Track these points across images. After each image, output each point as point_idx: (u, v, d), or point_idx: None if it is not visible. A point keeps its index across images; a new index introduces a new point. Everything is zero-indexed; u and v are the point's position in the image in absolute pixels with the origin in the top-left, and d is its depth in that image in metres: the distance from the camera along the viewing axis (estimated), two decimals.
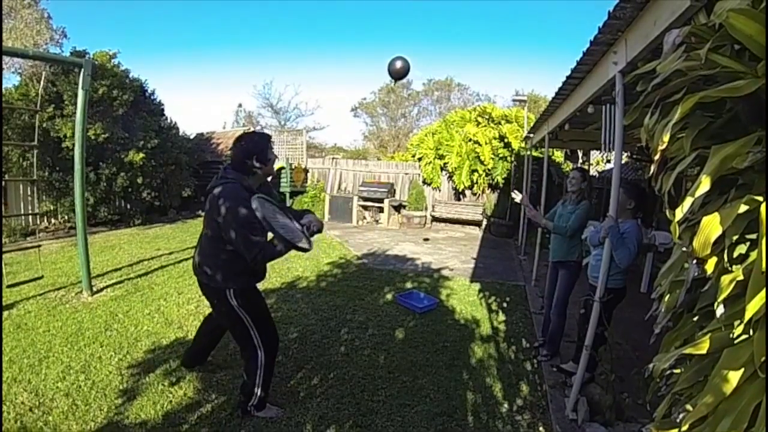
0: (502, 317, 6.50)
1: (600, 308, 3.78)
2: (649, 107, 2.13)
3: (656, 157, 1.98)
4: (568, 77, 4.86)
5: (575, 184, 5.18)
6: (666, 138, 1.85)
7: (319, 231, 3.81)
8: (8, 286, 6.35)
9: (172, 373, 4.36)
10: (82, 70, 6.54)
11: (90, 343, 5.07)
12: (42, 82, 8.87)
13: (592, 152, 12.51)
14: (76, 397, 3.95)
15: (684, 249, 1.89)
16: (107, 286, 7.19)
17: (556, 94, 5.79)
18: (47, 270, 7.68)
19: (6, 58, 10.51)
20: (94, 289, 6.93)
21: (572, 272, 5.10)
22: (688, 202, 1.71)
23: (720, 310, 1.57)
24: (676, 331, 1.99)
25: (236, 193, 3.33)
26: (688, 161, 1.80)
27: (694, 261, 1.74)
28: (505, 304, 7.05)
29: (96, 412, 3.73)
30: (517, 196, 5.84)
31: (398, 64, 4.37)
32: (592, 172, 14.87)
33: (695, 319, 1.89)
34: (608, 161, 15.93)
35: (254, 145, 3.53)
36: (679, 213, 1.78)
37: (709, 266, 1.64)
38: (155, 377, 4.28)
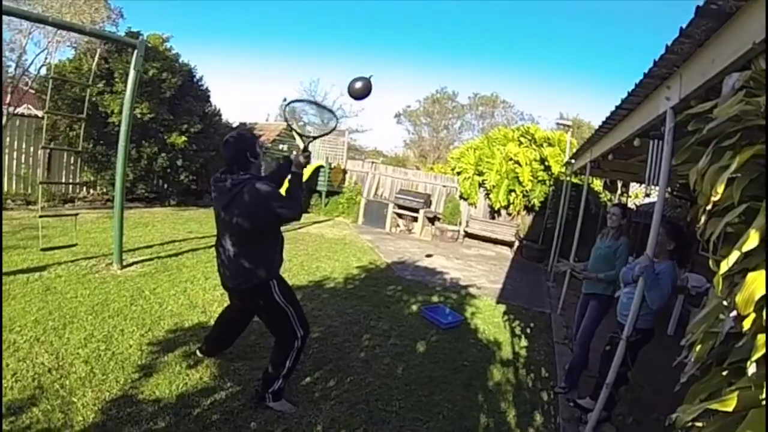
0: (524, 343, 6.41)
1: (625, 347, 3.70)
2: (701, 146, 2.08)
3: (707, 207, 1.92)
4: (617, 107, 4.77)
5: (615, 221, 5.13)
6: (720, 189, 1.80)
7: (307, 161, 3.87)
8: (42, 249, 6.55)
9: (190, 356, 4.40)
10: (136, 51, 6.72)
11: (114, 315, 5.18)
12: (96, 59, 9.08)
13: (631, 184, 12.29)
14: (95, 365, 4.04)
15: (725, 303, 1.84)
16: (137, 262, 7.33)
17: (603, 123, 5.69)
18: (81, 238, 7.85)
19: (62, 32, 10.82)
20: (124, 263, 7.08)
21: (602, 305, 5.02)
22: (734, 256, 1.66)
23: (752, 369, 1.52)
24: (704, 383, 1.93)
25: (263, 183, 3.53)
26: (737, 212, 1.75)
27: (731, 314, 1.69)
28: (528, 330, 6.96)
29: (112, 382, 3.80)
30: (561, 266, 5.88)
31: (358, 85, 4.33)
32: (630, 204, 14.61)
33: (725, 373, 1.83)
34: (647, 195, 15.65)
35: (245, 143, 3.71)
36: (725, 266, 1.73)
37: (747, 323, 1.59)
38: (174, 358, 4.34)
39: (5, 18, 10.37)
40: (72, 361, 4.06)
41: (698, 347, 1.99)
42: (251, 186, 3.46)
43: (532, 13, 53.44)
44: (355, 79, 4.25)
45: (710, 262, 1.91)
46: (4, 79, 11.77)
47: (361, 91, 4.29)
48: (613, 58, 54.16)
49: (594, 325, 5.03)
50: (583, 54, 54.97)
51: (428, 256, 11.78)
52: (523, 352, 6.04)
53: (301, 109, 4.27)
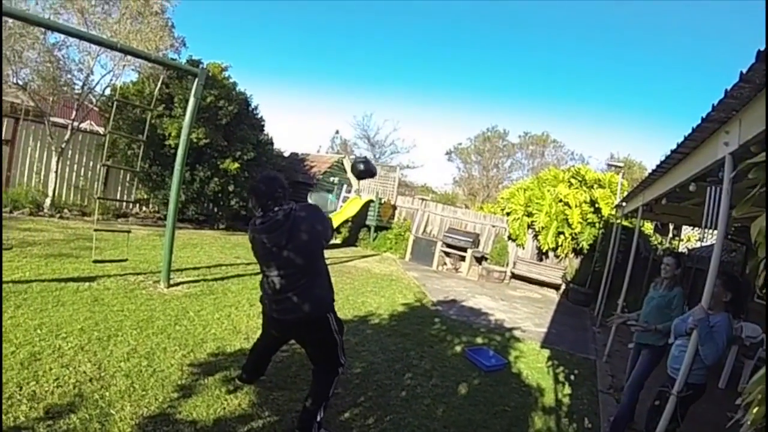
0: (567, 390, 6.15)
1: (676, 403, 3.50)
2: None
3: None
4: (672, 151, 4.61)
5: (669, 271, 4.96)
6: None
7: None
8: (94, 261, 6.80)
9: (230, 381, 4.37)
10: (197, 79, 6.92)
11: (158, 332, 5.23)
12: (159, 84, 9.42)
13: (683, 227, 11.93)
14: (136, 380, 4.07)
15: None
16: (183, 282, 7.43)
17: (657, 166, 5.53)
18: (131, 254, 8.06)
19: (128, 57, 11.38)
20: (171, 282, 7.18)
21: (655, 355, 4.80)
22: None
23: None
24: None
25: (312, 213, 3.72)
26: None
27: None
28: (572, 377, 6.69)
29: (151, 399, 3.81)
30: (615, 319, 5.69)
31: (361, 167, 4.39)
32: (682, 247, 14.15)
33: None
34: (701, 240, 15.16)
35: (283, 179, 3.81)
36: None
37: None
38: (214, 381, 4.30)
39: (74, 40, 10.98)
40: (113, 374, 4.11)
41: (755, 409, 1.86)
42: (308, 223, 3.55)
43: (582, 53, 53.47)
44: (357, 162, 4.32)
45: None
46: (72, 95, 12.35)
47: (363, 173, 4.35)
48: (665, 98, 53.30)
49: (645, 376, 4.81)
50: (635, 93, 54.27)
51: (453, 301, 11.35)
52: (566, 400, 5.78)
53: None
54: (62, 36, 11.23)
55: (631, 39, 51.46)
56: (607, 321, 5.79)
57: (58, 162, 12.23)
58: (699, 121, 3.54)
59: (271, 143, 16.04)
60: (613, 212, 12.95)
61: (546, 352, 7.63)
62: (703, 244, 14.21)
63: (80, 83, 12.40)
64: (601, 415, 5.40)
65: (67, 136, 12.26)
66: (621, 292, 7.75)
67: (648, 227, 14.03)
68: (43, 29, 10.45)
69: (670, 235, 12.33)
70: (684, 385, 3.51)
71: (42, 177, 12.63)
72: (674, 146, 4.47)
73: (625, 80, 53.59)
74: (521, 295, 13.42)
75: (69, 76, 12.20)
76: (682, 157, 4.73)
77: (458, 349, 6.89)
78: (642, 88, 53.28)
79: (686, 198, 6.28)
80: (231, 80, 14.05)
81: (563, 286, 14.49)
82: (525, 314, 10.65)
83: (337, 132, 41.08)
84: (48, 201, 11.96)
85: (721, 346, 3.62)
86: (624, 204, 10.13)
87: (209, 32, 51.14)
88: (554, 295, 14.46)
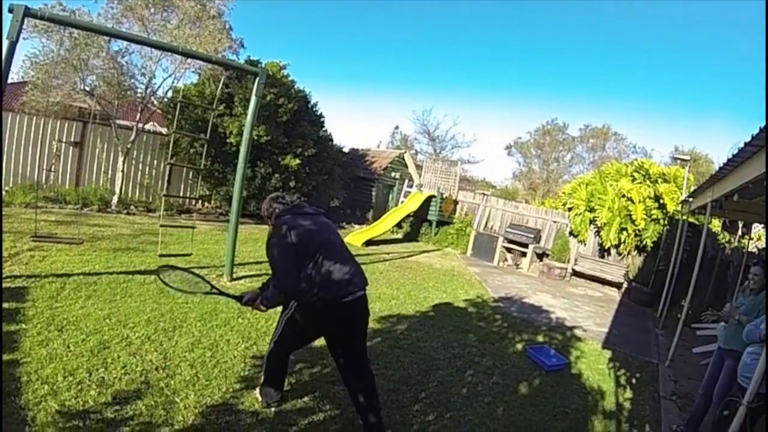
0: (628, 394, 5.92)
1: (745, 414, 3.32)
2: None
3: None
4: (746, 144, 4.32)
5: (757, 282, 4.59)
6: None
7: None
8: (160, 255, 6.97)
9: (292, 374, 4.40)
10: (257, 78, 7.02)
11: (222, 324, 5.37)
12: (220, 85, 9.67)
13: (753, 225, 11.33)
14: (200, 370, 4.20)
15: None
16: (246, 276, 7.61)
17: (729, 160, 5.16)
18: (194, 248, 8.30)
19: (188, 59, 11.79)
20: (234, 275, 7.36)
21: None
22: None
23: None
24: None
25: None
26: None
27: None
28: (634, 381, 6.45)
29: (214, 389, 3.91)
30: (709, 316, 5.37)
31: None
32: (752, 247, 13.45)
33: None
34: None
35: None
36: None
37: None
38: None
39: (136, 47, 11.50)
40: (178, 363, 4.25)
41: None
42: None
43: (641, 42, 51.90)
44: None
45: None
46: (135, 98, 12.83)
47: None
48: (733, 87, 50.75)
49: (729, 388, 4.36)
50: (699, 83, 51.96)
51: (516, 297, 11.22)
52: (627, 405, 5.56)
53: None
54: (124, 43, 11.78)
55: (691, 27, 49.49)
56: (702, 319, 5.42)
57: (124, 162, 12.81)
58: None
59: (331, 139, 16.21)
60: (679, 208, 12.44)
61: (607, 354, 7.42)
62: None
63: (143, 87, 12.99)
64: (663, 423, 5.18)
65: (132, 137, 12.80)
66: (686, 293, 7.43)
67: (716, 224, 13.37)
68: (106, 38, 10.99)
69: (740, 233, 11.68)
70: (755, 395, 3.33)
71: (109, 176, 13.29)
72: (748, 138, 4.23)
73: (688, 68, 51.54)
74: (582, 293, 13.12)
75: (132, 80, 12.79)
76: (757, 150, 4.43)
77: (519, 346, 6.79)
78: (707, 76, 51.02)
79: (757, 194, 5.96)
80: (290, 78, 14.33)
81: (625, 285, 14.05)
82: (586, 313, 10.41)
83: (396, 127, 41.22)
84: (115, 198, 12.52)
85: None
86: (691, 200, 9.70)
87: (267, 32, 52.29)
88: (616, 294, 14.04)
